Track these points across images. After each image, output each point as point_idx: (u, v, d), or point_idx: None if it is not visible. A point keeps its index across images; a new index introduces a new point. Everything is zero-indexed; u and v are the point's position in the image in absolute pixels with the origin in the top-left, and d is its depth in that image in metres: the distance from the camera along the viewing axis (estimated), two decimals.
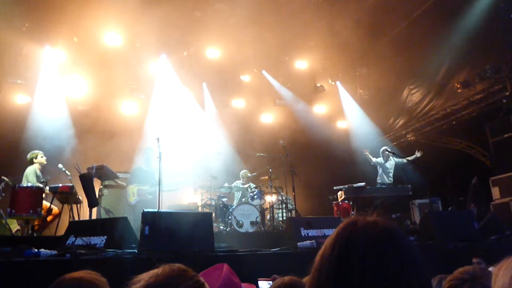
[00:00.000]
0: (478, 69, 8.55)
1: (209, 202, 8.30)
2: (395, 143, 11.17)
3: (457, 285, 1.68)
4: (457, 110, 9.43)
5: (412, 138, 10.73)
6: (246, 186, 8.80)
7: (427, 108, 10.23)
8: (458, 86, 8.89)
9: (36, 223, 6.62)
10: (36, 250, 3.43)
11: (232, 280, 2.30)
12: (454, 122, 9.59)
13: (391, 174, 8.95)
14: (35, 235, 6.38)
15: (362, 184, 8.40)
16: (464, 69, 9.02)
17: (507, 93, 8.25)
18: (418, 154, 8.46)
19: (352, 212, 8.50)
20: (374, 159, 9.04)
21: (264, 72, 11.59)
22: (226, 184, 8.67)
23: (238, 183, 8.87)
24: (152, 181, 7.18)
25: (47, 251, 3.49)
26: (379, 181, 8.99)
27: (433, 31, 9.41)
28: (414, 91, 10.68)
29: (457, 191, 8.60)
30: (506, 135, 8.09)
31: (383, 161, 8.99)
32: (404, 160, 8.76)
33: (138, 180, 7.20)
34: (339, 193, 8.80)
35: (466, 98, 9.07)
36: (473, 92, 8.83)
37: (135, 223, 5.00)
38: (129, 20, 9.07)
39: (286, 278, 1.87)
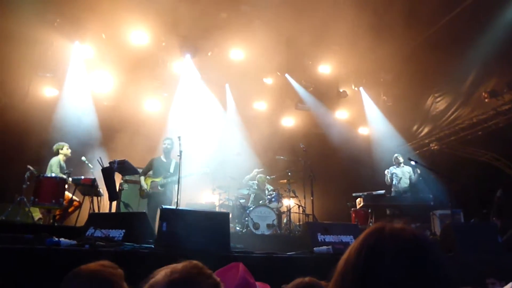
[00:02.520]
0: (507, 78, 8.32)
1: (227, 203, 8.34)
2: (417, 151, 10.96)
3: None
4: (484, 120, 9.17)
5: (435, 147, 10.51)
6: (263, 188, 8.79)
7: (452, 117, 9.99)
8: (486, 95, 8.66)
9: (57, 213, 6.81)
10: (57, 239, 3.51)
11: (248, 280, 2.30)
12: (480, 133, 9.33)
13: (405, 180, 8.74)
14: (56, 224, 6.54)
15: (382, 192, 8.27)
16: (492, 78, 8.78)
17: None
18: (418, 171, 8.40)
19: (371, 220, 8.38)
20: (388, 176, 8.91)
21: (287, 75, 11.57)
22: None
23: (254, 183, 8.84)
24: (166, 173, 7.12)
25: (68, 240, 3.57)
26: (393, 188, 8.84)
27: (461, 38, 9.20)
28: (439, 99, 10.46)
29: (480, 203, 8.36)
30: None
31: (393, 169, 8.89)
32: (413, 176, 8.64)
33: (154, 172, 7.11)
34: (358, 200, 8.68)
35: (493, 108, 8.82)
36: (501, 102, 8.58)
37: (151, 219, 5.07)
38: (156, 19, 9.20)
39: (307, 278, 1.86)
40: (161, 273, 1.15)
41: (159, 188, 7.01)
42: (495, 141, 8.96)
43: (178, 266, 1.18)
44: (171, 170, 7.15)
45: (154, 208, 6.71)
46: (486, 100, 8.73)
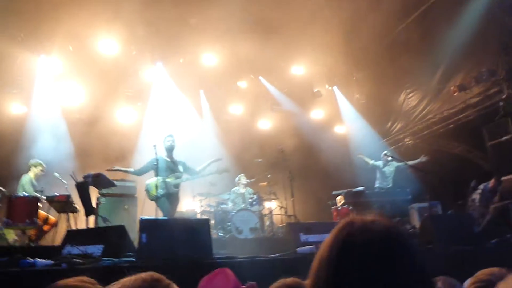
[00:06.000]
0: (474, 72, 8.57)
1: (208, 209, 8.27)
2: (393, 147, 11.15)
3: (484, 287, 1.61)
4: (454, 114, 9.42)
5: (409, 142, 10.72)
6: (243, 191, 8.73)
7: (424, 112, 10.22)
8: (455, 89, 8.89)
9: (32, 232, 6.57)
10: (31, 260, 3.38)
11: (240, 285, 2.26)
12: (451, 126, 9.57)
13: (389, 179, 8.93)
14: (32, 245, 6.33)
15: (362, 188, 8.37)
16: (460, 72, 9.03)
17: (504, 96, 8.25)
18: (423, 158, 8.46)
19: None
20: (371, 161, 9.03)
21: (261, 78, 11.60)
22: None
23: (235, 189, 8.81)
24: (177, 173, 6.69)
25: (43, 260, 3.44)
26: (377, 185, 8.97)
27: (429, 35, 9.44)
28: (410, 95, 10.68)
29: (456, 195, 8.57)
30: (503, 138, 8.09)
31: (381, 166, 8.97)
32: (405, 163, 8.76)
33: (161, 172, 6.50)
34: (338, 198, 8.77)
35: (462, 101, 9.07)
36: (470, 95, 8.83)
37: None
38: (124, 28, 9.06)
39: (289, 279, 1.82)
40: None
41: (173, 188, 6.61)
42: (467, 134, 9.21)
43: (130, 280, 1.10)
44: (181, 170, 6.78)
45: (174, 209, 6.68)
46: (455, 94, 8.97)
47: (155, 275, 1.12)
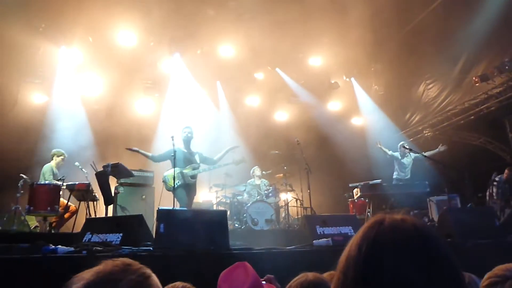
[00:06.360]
0: (497, 62, 8.34)
1: (224, 200, 8.32)
2: (411, 139, 10.99)
3: (498, 282, 1.58)
4: (475, 105, 9.21)
5: (429, 134, 10.54)
6: (258, 183, 8.75)
7: (444, 103, 10.02)
8: (476, 80, 8.67)
9: (53, 220, 6.74)
10: (53, 246, 3.46)
11: (259, 279, 2.27)
12: (472, 117, 9.37)
13: (408, 170, 8.78)
14: (52, 231, 6.49)
15: (379, 181, 8.27)
16: (482, 62, 8.80)
17: None
18: (441, 148, 8.30)
19: (369, 210, 8.40)
20: (390, 152, 8.88)
21: (278, 69, 11.53)
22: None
23: (251, 181, 8.83)
24: (194, 164, 6.77)
25: (64, 247, 3.52)
26: (395, 176, 8.84)
27: (449, 24, 9.20)
28: (430, 86, 10.47)
29: (476, 188, 8.40)
30: None
31: (399, 157, 8.84)
32: (422, 154, 8.60)
33: (178, 163, 6.51)
34: (355, 190, 8.69)
35: (484, 92, 8.85)
36: (492, 85, 8.61)
37: None
38: (142, 20, 9.12)
39: (310, 275, 1.81)
40: (80, 277, 1.09)
41: (190, 179, 6.69)
42: (488, 125, 9.01)
43: (101, 266, 1.12)
44: (198, 161, 6.85)
45: (191, 200, 6.74)
46: (477, 85, 8.75)
47: (127, 260, 1.14)
